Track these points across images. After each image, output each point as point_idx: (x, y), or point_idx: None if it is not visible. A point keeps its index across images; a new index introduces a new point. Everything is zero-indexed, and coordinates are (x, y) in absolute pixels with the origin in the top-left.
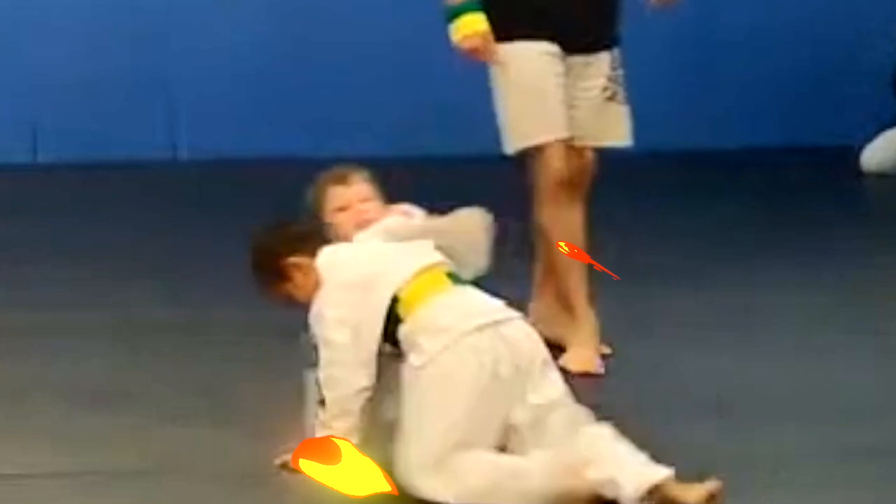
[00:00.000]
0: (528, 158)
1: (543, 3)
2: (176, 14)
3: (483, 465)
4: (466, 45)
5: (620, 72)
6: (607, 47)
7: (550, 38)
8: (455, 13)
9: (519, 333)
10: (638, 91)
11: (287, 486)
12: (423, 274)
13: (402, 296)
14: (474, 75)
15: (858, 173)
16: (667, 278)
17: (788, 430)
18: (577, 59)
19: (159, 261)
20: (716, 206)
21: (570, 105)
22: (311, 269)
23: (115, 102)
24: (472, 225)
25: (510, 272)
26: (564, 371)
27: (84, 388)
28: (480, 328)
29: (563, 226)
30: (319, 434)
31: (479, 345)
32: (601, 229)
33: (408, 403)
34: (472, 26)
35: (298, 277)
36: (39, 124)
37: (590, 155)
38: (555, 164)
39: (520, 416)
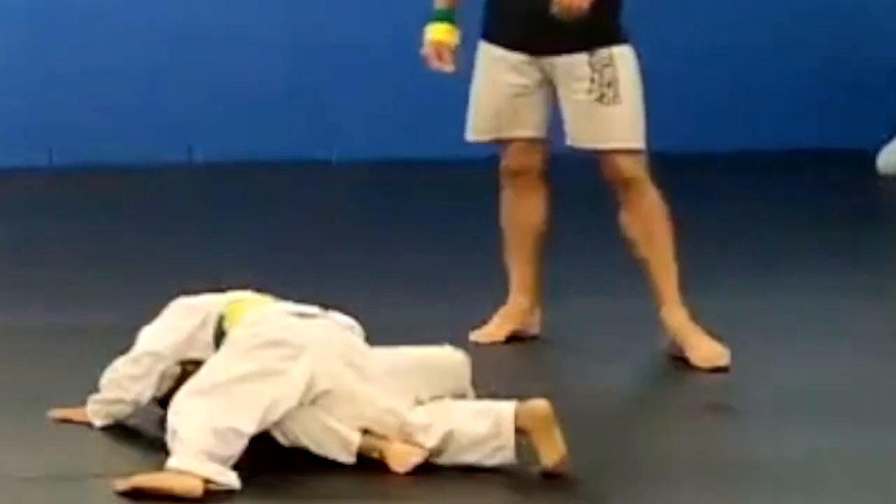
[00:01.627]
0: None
1: (515, 7)
2: (192, 14)
3: None
4: (423, 51)
5: (609, 73)
6: (587, 48)
7: (517, 44)
8: (428, 19)
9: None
10: (653, 94)
11: None
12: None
13: (225, 312)
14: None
15: (875, 176)
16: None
17: (811, 432)
18: (558, 61)
19: (172, 263)
20: (729, 209)
21: (564, 107)
22: None
23: (131, 103)
24: None
25: None
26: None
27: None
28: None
29: (517, 219)
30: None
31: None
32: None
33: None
34: (432, 34)
35: None
36: (55, 127)
37: (615, 159)
38: (503, 161)
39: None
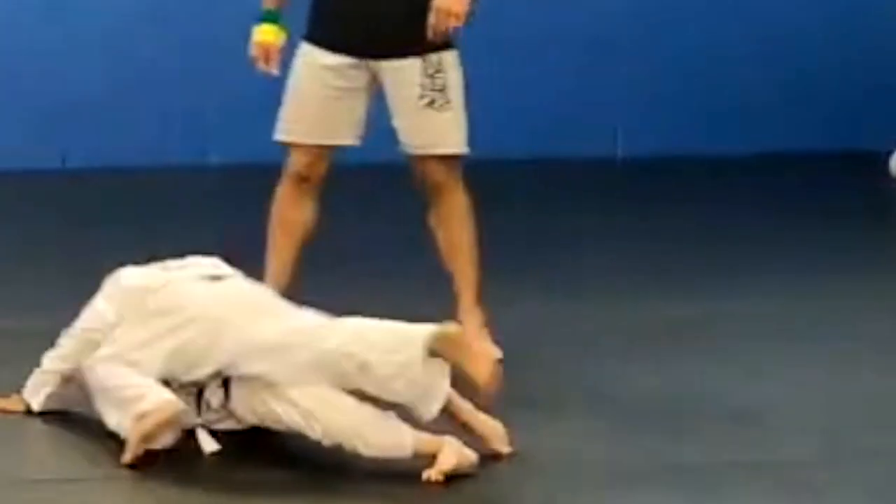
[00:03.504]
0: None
1: (346, 9)
2: (206, 17)
3: None
4: (250, 52)
5: (441, 78)
6: (417, 53)
7: (345, 47)
8: (258, 19)
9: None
10: (664, 96)
11: None
12: None
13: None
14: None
15: (886, 178)
16: (693, 283)
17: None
18: (389, 65)
19: None
20: (741, 211)
21: (392, 113)
22: None
23: (144, 107)
24: None
25: None
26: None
27: None
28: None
29: (290, 219)
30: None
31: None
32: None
33: None
34: (259, 35)
35: None
36: (67, 132)
37: (432, 165)
38: (293, 164)
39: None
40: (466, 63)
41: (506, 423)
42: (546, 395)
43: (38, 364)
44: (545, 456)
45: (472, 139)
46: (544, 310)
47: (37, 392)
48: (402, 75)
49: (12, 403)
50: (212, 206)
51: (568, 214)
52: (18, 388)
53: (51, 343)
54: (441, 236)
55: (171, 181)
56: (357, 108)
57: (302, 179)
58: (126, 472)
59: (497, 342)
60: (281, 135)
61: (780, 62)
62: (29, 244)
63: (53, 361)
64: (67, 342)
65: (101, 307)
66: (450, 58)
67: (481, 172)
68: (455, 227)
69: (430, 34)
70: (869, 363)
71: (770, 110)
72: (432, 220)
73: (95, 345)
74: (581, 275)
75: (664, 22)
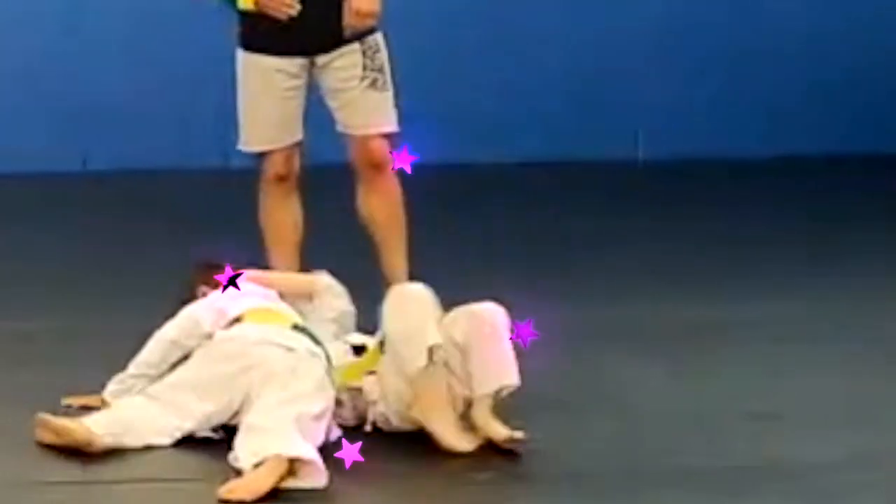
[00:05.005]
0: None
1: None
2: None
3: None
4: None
5: (379, 58)
6: (358, 38)
7: (294, 49)
8: None
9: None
10: (685, 98)
11: None
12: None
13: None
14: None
15: None
16: (715, 286)
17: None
18: (327, 57)
19: None
20: (763, 214)
21: (333, 99)
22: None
23: (165, 110)
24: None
25: None
26: None
27: None
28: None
29: (281, 222)
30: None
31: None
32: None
33: None
34: None
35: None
36: (89, 134)
37: (376, 143)
38: (270, 168)
39: None
40: (489, 68)
41: (526, 425)
42: (566, 397)
43: (59, 364)
44: (567, 457)
45: (495, 143)
46: (565, 311)
47: (118, 396)
48: (345, 61)
49: (93, 401)
50: (233, 210)
51: (589, 217)
52: (39, 390)
53: (71, 344)
54: (379, 209)
55: (192, 184)
56: (304, 104)
57: (281, 179)
58: (149, 476)
59: (516, 344)
60: (251, 146)
61: (804, 65)
62: (50, 246)
63: (140, 367)
64: (156, 348)
65: (199, 315)
66: (380, 39)
67: (504, 175)
68: (395, 201)
69: (346, 34)
70: (891, 366)
71: (793, 113)
72: (366, 198)
73: (187, 350)
74: (602, 277)
75: (687, 24)
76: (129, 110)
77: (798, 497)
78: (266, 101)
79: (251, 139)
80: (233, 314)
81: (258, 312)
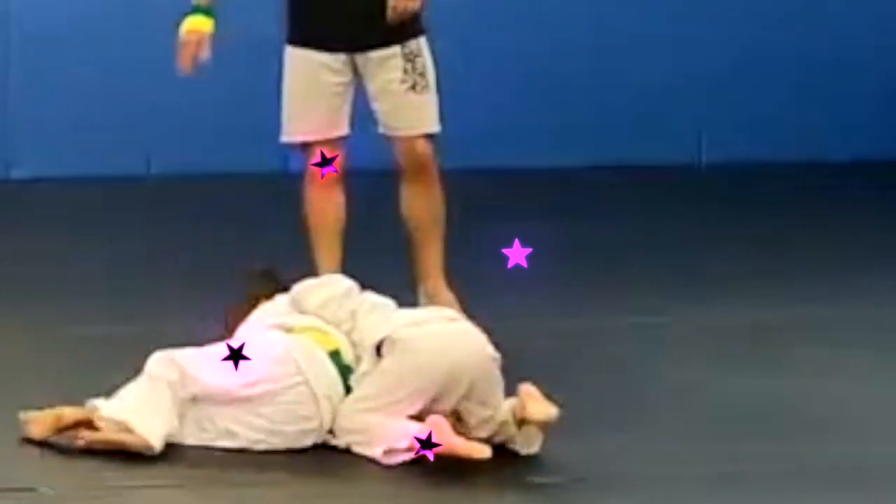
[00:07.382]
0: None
1: (328, 9)
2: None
3: None
4: (180, 40)
5: (420, 63)
6: (399, 41)
7: (337, 45)
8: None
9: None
10: (749, 101)
11: None
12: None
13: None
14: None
15: None
16: (782, 288)
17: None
18: (373, 55)
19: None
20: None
21: (376, 101)
22: None
23: (229, 114)
24: None
25: None
26: None
27: None
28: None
29: (326, 214)
30: None
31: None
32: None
33: None
34: (190, 25)
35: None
36: (152, 137)
37: (419, 143)
38: (314, 160)
39: None
40: (559, 71)
41: (588, 426)
42: (629, 399)
43: (127, 371)
44: (629, 458)
45: (560, 148)
46: (627, 314)
47: None
48: (385, 63)
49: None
50: (291, 213)
51: (652, 220)
52: (108, 395)
53: (142, 350)
54: (421, 210)
55: (253, 187)
56: (349, 102)
57: (323, 171)
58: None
59: (576, 347)
60: (292, 136)
61: (871, 73)
62: (112, 250)
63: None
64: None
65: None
66: (423, 43)
67: (570, 180)
68: (437, 201)
69: (389, 18)
70: None
71: (860, 121)
72: (409, 199)
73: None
74: (665, 280)
75: (752, 27)
76: (193, 113)
77: (862, 499)
78: (309, 93)
79: (292, 130)
80: (288, 323)
81: (309, 329)
